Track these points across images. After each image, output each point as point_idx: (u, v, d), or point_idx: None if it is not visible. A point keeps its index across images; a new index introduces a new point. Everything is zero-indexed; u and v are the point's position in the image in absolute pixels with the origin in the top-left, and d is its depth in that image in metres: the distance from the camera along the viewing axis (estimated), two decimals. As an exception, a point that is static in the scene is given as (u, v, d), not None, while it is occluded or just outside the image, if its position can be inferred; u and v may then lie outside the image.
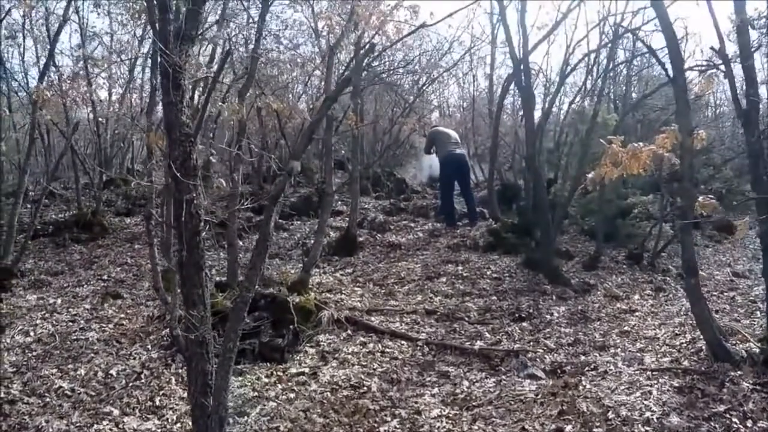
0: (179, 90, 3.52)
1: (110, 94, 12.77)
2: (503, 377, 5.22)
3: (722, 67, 5.14)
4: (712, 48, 5.17)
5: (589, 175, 4.72)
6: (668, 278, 8.72)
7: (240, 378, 5.09)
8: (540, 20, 14.27)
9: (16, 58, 12.49)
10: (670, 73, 5.20)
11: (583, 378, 5.06)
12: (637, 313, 6.97)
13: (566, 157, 11.22)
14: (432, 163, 12.95)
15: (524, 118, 9.32)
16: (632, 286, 8.19)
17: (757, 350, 5.11)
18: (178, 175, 3.43)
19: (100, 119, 11.72)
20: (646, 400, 4.53)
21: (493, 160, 11.25)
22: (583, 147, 9.12)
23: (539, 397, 4.78)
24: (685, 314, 6.76)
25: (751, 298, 7.54)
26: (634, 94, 12.69)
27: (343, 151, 12.79)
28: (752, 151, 5.00)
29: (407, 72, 12.73)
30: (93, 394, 4.95)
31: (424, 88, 13.01)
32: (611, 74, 10.98)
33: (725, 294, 8.20)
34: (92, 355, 5.67)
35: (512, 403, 4.74)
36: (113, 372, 5.30)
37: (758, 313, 6.94)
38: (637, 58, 12.15)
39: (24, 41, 11.87)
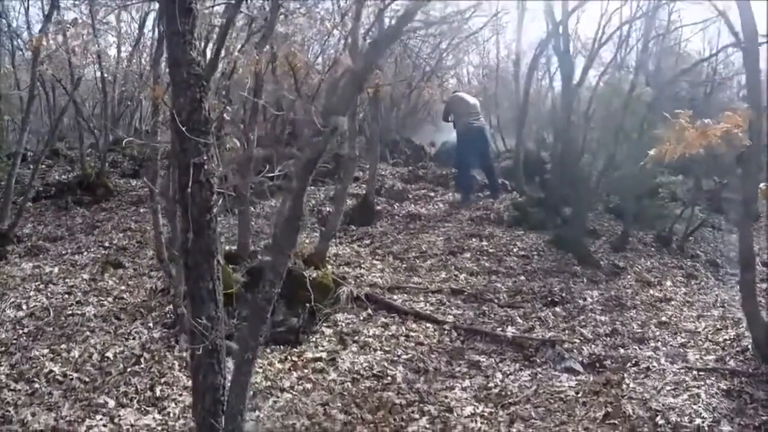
0: (189, 16, 2.78)
1: (119, 51, 12.23)
2: (539, 370, 4.79)
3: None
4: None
5: (651, 152, 4.24)
6: (698, 264, 8.39)
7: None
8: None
9: (22, 14, 12.03)
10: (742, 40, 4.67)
11: (625, 375, 4.66)
12: (672, 302, 6.59)
13: (596, 130, 10.68)
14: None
15: (562, 86, 8.78)
16: (663, 272, 7.82)
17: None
18: (184, 130, 2.75)
19: (106, 76, 11.17)
20: (695, 404, 4.19)
21: (521, 129, 10.63)
22: (618, 121, 8.59)
23: (580, 395, 4.37)
24: (722, 306, 6.51)
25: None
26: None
27: (361, 114, 12.22)
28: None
29: (427, 36, 12.12)
30: (87, 380, 4.44)
31: (445, 52, 12.35)
32: (649, 47, 10.41)
33: (759, 285, 7.75)
34: (88, 333, 5.16)
35: (552, 401, 4.32)
36: (110, 354, 4.78)
37: None
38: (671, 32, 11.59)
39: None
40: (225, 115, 5.03)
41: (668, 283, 7.34)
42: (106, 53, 10.84)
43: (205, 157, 2.83)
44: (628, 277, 7.40)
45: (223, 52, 4.79)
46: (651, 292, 6.91)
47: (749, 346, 4.99)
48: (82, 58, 9.24)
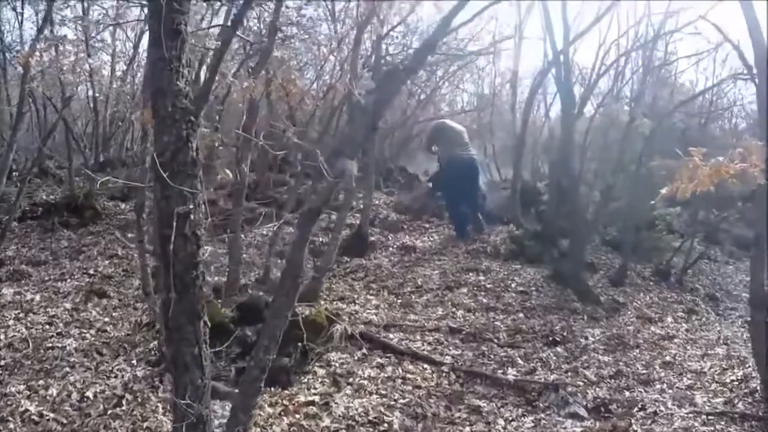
0: (177, 39, 2.46)
1: (113, 69, 12.03)
2: (542, 415, 4.56)
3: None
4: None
5: (663, 191, 4.08)
6: (698, 299, 8.28)
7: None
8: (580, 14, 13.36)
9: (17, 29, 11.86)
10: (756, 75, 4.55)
11: (632, 420, 4.47)
12: (675, 340, 6.44)
13: (593, 161, 10.57)
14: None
15: (562, 115, 8.63)
16: (663, 307, 7.69)
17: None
18: (166, 175, 2.40)
19: (98, 95, 10.97)
20: None
21: (519, 160, 10.43)
22: (618, 155, 8.48)
23: (587, 444, 4.16)
24: (726, 343, 6.37)
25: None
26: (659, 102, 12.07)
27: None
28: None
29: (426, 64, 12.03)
30: (64, 422, 4.17)
31: (441, 81, 12.25)
32: (647, 78, 10.36)
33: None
34: (68, 369, 4.89)
35: (557, 452, 4.10)
36: (90, 394, 4.50)
37: None
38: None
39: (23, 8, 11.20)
40: (216, 143, 4.82)
41: (669, 319, 7.20)
42: (99, 72, 10.63)
43: (191, 206, 2.51)
44: (629, 313, 7.24)
45: (216, 78, 4.60)
46: (653, 329, 6.75)
47: (758, 388, 4.84)
48: (73, 76, 9.05)
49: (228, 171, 4.95)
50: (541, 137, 12.55)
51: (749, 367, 5.41)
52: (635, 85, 11.57)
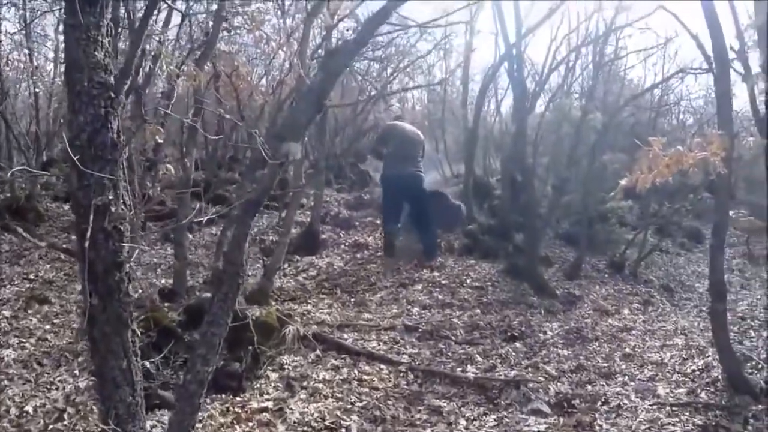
0: (97, 3, 2.13)
1: (56, 65, 11.48)
2: (504, 413, 4.40)
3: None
4: (731, 48, 4.55)
5: (622, 182, 3.97)
6: (652, 290, 8.31)
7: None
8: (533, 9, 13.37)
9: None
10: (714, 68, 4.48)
11: (596, 415, 4.35)
12: (633, 332, 6.39)
13: (544, 156, 10.55)
14: None
15: (515, 110, 8.53)
16: (619, 299, 7.69)
17: (778, 382, 4.60)
18: (77, 161, 2.09)
19: (39, 90, 10.46)
20: None
21: (471, 155, 10.29)
22: (572, 149, 8.45)
23: (552, 441, 4.02)
24: (684, 333, 6.32)
25: (739, 314, 7.11)
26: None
27: (306, 138, 11.73)
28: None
29: (375, 59, 11.87)
30: (0, 441, 3.85)
31: (393, 75, 12.05)
32: (599, 73, 10.37)
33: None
34: (6, 382, 4.50)
35: (522, 451, 3.95)
36: (29, 408, 4.14)
37: (751, 332, 6.52)
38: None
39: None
40: (159, 138, 4.53)
41: (626, 311, 7.18)
42: (41, 67, 10.13)
43: (110, 197, 2.21)
44: (585, 306, 7.20)
45: (162, 68, 4.29)
46: (610, 321, 6.70)
47: (719, 377, 4.79)
48: (12, 71, 8.56)
49: (170, 167, 4.64)
50: (492, 132, 12.45)
51: (709, 356, 5.38)
52: (586, 81, 11.61)
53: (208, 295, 5.38)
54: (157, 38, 5.49)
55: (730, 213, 4.29)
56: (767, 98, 4.68)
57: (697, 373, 5.07)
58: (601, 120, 8.86)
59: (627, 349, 5.78)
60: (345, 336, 5.50)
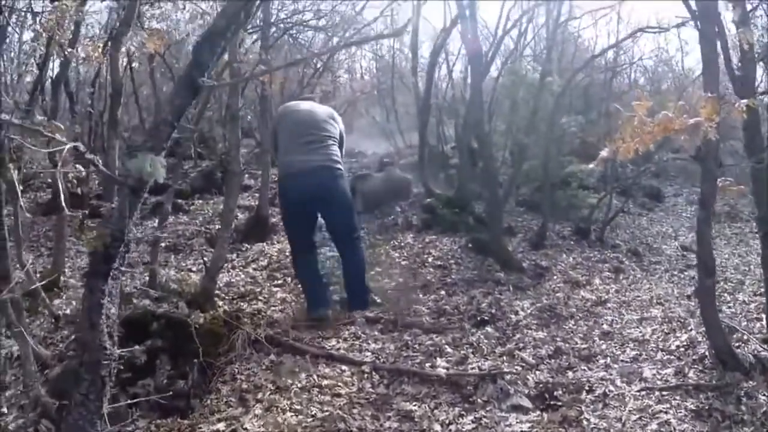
0: None
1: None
2: (482, 413, 3.94)
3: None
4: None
5: (603, 153, 3.51)
6: (621, 255, 8.07)
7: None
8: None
9: None
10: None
11: (582, 407, 3.96)
12: (608, 305, 6.07)
13: (501, 121, 10.13)
14: None
15: (471, 75, 8.06)
16: (588, 267, 7.43)
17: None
18: None
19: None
20: None
21: (425, 124, 9.75)
22: (532, 113, 8.03)
23: (537, 441, 3.61)
24: (660, 303, 6.08)
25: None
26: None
27: (249, 117, 11.08)
28: (749, 123, 4.05)
29: (318, 29, 11.27)
30: None
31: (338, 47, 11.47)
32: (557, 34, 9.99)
33: (685, 273, 7.51)
34: None
35: (506, 456, 3.53)
36: None
37: (726, 296, 6.33)
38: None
39: None
40: (59, 136, 3.86)
41: (597, 280, 6.90)
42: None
43: None
44: (555, 278, 6.88)
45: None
46: (582, 293, 6.39)
47: (706, 354, 4.49)
48: None
49: (79, 166, 3.91)
50: (444, 99, 11.99)
51: (691, 329, 5.09)
52: (539, 44, 11.27)
53: (147, 302, 4.82)
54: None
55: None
56: (741, 55, 4.33)
57: (682, 349, 4.75)
58: (558, 82, 8.48)
59: (605, 326, 5.45)
60: (301, 335, 4.94)
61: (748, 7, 4.64)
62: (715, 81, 4.01)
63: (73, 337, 4.33)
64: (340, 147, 5.62)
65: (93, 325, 1.90)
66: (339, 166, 5.48)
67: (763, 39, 6.79)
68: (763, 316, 5.44)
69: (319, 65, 11.32)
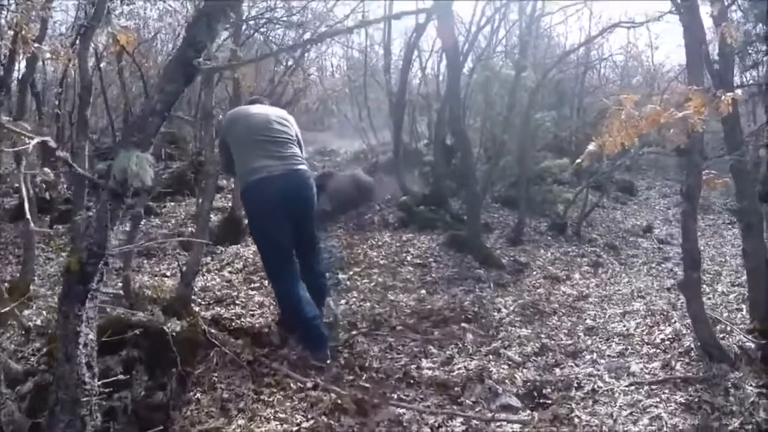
0: None
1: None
2: (472, 414, 3.87)
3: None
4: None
5: (590, 147, 3.43)
6: (598, 250, 8.09)
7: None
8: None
9: None
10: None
11: (573, 405, 3.90)
12: (590, 299, 6.09)
13: (476, 117, 10.08)
14: None
15: (448, 70, 7.95)
16: (567, 263, 7.43)
17: (752, 345, 4.41)
18: None
19: None
20: (660, 429, 3.59)
21: (400, 122, 9.63)
22: (508, 109, 7.97)
23: (530, 441, 3.54)
24: (641, 296, 6.10)
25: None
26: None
27: (220, 116, 10.84)
28: (727, 117, 4.00)
29: (290, 26, 11.09)
30: None
31: (309, 44, 11.26)
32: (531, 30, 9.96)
33: (662, 265, 7.54)
34: None
35: (499, 456, 3.44)
36: None
37: (705, 287, 6.19)
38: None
39: None
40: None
41: (577, 275, 6.92)
42: None
43: None
44: (534, 273, 6.88)
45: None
46: (563, 289, 6.39)
47: (692, 346, 4.49)
48: None
49: (47, 170, 3.74)
50: (418, 96, 11.90)
51: (675, 321, 5.08)
52: (514, 39, 11.23)
53: (122, 311, 4.59)
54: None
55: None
56: (720, 50, 4.36)
57: (668, 342, 4.73)
58: (533, 78, 8.45)
59: (588, 321, 5.44)
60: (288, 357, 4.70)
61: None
62: (699, 74, 3.97)
63: (45, 350, 4.13)
64: (300, 149, 5.04)
65: (69, 358, 1.69)
66: (308, 169, 4.99)
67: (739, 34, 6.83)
68: (743, 306, 5.47)
69: (290, 62, 11.13)
